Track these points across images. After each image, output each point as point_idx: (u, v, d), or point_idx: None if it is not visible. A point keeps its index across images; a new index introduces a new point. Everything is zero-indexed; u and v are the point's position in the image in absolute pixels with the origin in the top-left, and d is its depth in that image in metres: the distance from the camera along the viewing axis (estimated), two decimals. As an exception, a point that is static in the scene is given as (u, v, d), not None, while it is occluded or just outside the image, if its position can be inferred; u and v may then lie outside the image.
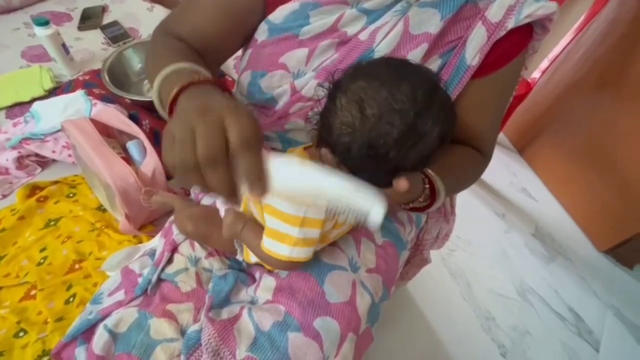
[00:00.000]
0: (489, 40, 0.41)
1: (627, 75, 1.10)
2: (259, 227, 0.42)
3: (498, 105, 0.48)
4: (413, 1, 0.41)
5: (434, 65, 0.43)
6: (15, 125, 0.78)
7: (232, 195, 0.26)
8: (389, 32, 0.42)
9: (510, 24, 0.40)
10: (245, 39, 0.49)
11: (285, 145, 0.54)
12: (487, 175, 1.43)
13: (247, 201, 0.45)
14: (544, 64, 1.36)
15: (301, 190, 0.27)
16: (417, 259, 0.72)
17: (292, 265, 0.39)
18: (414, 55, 0.42)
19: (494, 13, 0.41)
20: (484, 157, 0.50)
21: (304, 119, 0.48)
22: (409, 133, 0.32)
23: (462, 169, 0.47)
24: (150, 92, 0.96)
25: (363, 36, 0.43)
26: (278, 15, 0.45)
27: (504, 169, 1.51)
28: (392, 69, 0.33)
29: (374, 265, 0.45)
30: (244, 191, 0.26)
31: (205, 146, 0.24)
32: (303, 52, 0.45)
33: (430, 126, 0.32)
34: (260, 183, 0.26)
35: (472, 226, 1.27)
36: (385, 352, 0.94)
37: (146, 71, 0.46)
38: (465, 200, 1.39)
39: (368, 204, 0.25)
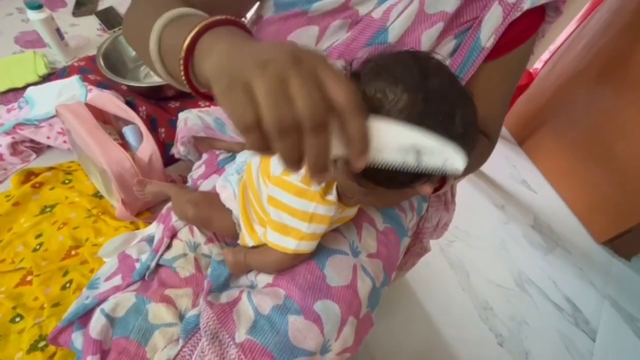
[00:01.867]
0: (504, 21, 0.40)
1: (630, 66, 1.09)
2: (259, 247, 0.42)
3: (508, 88, 0.47)
4: None
5: (448, 46, 0.42)
6: (9, 111, 0.76)
7: (325, 170, 0.21)
8: (403, 11, 0.40)
9: (527, 5, 0.39)
10: (248, 8, 0.46)
11: None
12: (487, 166, 1.43)
13: (247, 191, 0.44)
14: (546, 54, 1.35)
15: (395, 148, 0.23)
16: (416, 247, 0.71)
17: (291, 264, 0.39)
18: (429, 35, 0.40)
19: None
20: (490, 141, 0.49)
21: None
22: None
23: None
24: (147, 79, 0.96)
25: (376, 14, 0.40)
26: None
27: (504, 160, 1.50)
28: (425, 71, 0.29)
29: (375, 251, 0.45)
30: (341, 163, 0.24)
31: (312, 105, 0.19)
32: (313, 30, 0.42)
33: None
34: (367, 153, 0.22)
35: (471, 217, 1.27)
36: (383, 341, 0.94)
37: (128, 29, 0.37)
38: (465, 192, 1.39)
39: (453, 154, 0.24)
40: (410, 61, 0.28)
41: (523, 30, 0.42)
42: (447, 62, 0.42)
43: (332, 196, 0.36)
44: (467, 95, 0.30)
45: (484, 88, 0.44)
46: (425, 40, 0.40)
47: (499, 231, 1.26)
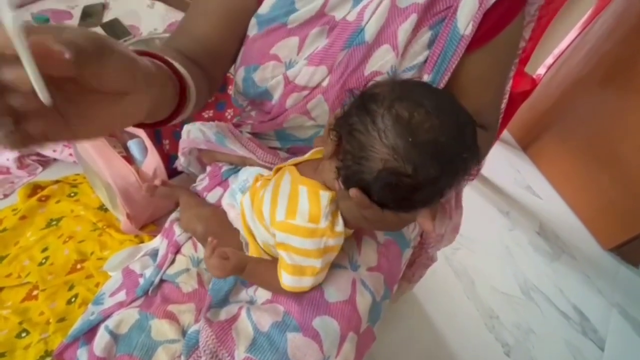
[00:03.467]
0: (480, 7, 0.39)
1: (634, 70, 1.09)
2: (264, 262, 0.42)
3: (498, 75, 0.46)
4: None
5: (424, 38, 0.42)
6: (16, 124, 0.78)
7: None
8: (376, 9, 0.40)
9: None
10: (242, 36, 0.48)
11: (283, 142, 0.53)
12: (491, 172, 1.43)
13: (241, 229, 0.44)
14: (550, 59, 1.35)
15: None
16: (422, 258, 0.71)
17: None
18: (404, 29, 0.40)
19: None
20: (488, 131, 0.48)
21: (302, 113, 0.47)
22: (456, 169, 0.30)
23: None
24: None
25: (351, 17, 0.41)
26: (265, 6, 0.44)
27: (508, 166, 1.50)
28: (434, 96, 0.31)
29: (375, 264, 0.44)
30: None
31: None
32: (294, 40, 0.44)
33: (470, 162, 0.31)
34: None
35: (475, 224, 1.26)
36: (388, 350, 0.94)
37: None
38: (469, 198, 1.37)
39: None
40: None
41: (503, 15, 0.41)
42: (426, 54, 0.42)
43: (340, 227, 0.36)
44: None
45: (472, 78, 0.44)
46: (401, 34, 0.40)
47: (504, 238, 1.25)
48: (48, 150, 0.71)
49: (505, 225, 1.29)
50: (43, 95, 0.18)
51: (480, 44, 0.42)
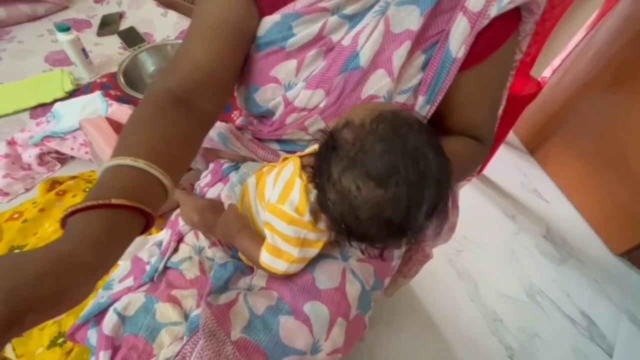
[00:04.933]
0: (472, 30, 0.40)
1: (643, 73, 1.07)
2: (255, 236, 0.43)
3: (491, 93, 0.47)
4: (391, 0, 0.41)
5: (418, 61, 0.43)
6: (38, 124, 0.83)
7: None
8: (370, 34, 0.41)
9: (493, 12, 0.39)
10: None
11: (283, 145, 0.55)
12: (497, 175, 1.42)
13: (245, 208, 0.46)
14: (556, 62, 1.34)
15: None
16: (419, 255, 0.72)
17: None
18: (399, 54, 0.41)
19: (474, 2, 0.40)
20: (483, 144, 0.49)
21: (300, 129, 0.49)
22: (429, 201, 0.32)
23: (455, 160, 0.47)
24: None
25: (346, 41, 0.43)
26: (262, 28, 0.44)
27: (515, 169, 1.49)
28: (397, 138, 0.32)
29: (365, 255, 0.46)
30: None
31: None
32: (292, 63, 0.45)
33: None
34: None
35: (480, 227, 1.26)
36: (391, 352, 0.94)
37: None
38: (474, 201, 1.38)
39: None
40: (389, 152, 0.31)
41: (497, 36, 0.42)
42: (420, 76, 0.43)
43: (322, 224, 0.38)
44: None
45: (465, 96, 0.45)
46: (396, 60, 0.41)
47: (510, 241, 1.24)
48: (66, 149, 0.76)
49: (511, 229, 1.28)
50: None
51: (472, 63, 0.43)
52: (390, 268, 0.51)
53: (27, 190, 0.73)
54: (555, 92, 1.38)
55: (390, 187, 0.30)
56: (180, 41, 1.07)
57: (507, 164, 1.50)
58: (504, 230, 1.27)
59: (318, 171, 0.35)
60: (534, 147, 1.53)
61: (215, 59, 0.42)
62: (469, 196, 1.35)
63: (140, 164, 0.30)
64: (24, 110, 0.91)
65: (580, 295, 1.11)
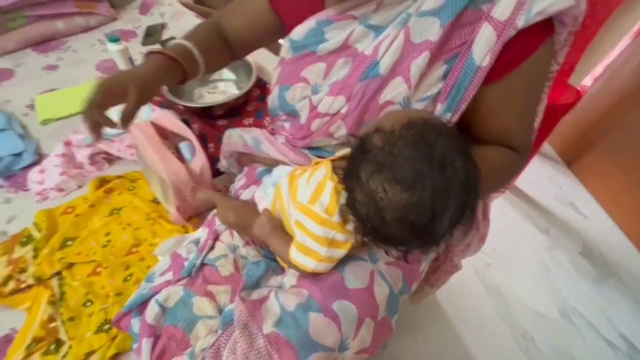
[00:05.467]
0: (498, 39, 0.39)
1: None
2: (286, 236, 0.46)
3: (523, 103, 0.46)
4: (413, 12, 0.42)
5: (439, 71, 0.43)
6: (89, 127, 0.91)
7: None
8: (391, 44, 0.43)
9: (521, 23, 0.38)
10: (265, 43, 0.61)
11: (313, 152, 0.57)
12: (530, 187, 1.37)
13: (277, 209, 0.49)
14: (598, 70, 1.28)
15: None
16: (447, 265, 0.71)
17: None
18: (418, 63, 0.42)
19: (500, 11, 0.39)
20: (519, 152, 0.49)
21: (326, 135, 0.51)
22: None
23: (489, 170, 0.47)
24: (200, 100, 1.07)
25: (367, 51, 0.45)
26: (298, 32, 0.49)
27: (549, 181, 1.42)
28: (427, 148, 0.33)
29: (393, 259, 0.47)
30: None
31: None
32: (321, 66, 0.48)
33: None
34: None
35: (510, 240, 1.22)
36: (413, 361, 0.93)
37: None
38: (504, 213, 1.33)
39: None
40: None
41: (526, 46, 0.41)
42: (440, 85, 0.43)
43: (351, 226, 0.39)
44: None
45: (494, 108, 0.45)
46: (413, 68, 0.42)
47: (542, 256, 1.18)
48: (114, 150, 0.83)
49: (544, 244, 1.22)
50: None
51: (500, 75, 0.42)
52: (418, 273, 0.51)
53: (79, 187, 0.80)
54: (595, 101, 1.31)
55: (416, 191, 0.31)
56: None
57: (541, 176, 1.44)
58: (536, 244, 1.22)
59: (348, 173, 0.36)
60: (570, 158, 1.46)
61: (239, 32, 0.59)
62: (499, 208, 1.31)
63: (190, 45, 0.53)
64: (78, 113, 1.00)
65: (620, 316, 1.04)
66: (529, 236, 1.24)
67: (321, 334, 0.39)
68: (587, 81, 1.27)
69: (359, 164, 0.35)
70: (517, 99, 0.45)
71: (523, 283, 1.11)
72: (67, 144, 0.84)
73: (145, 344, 0.46)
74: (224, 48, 0.60)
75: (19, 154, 0.83)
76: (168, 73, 0.50)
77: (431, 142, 0.32)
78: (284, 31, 0.54)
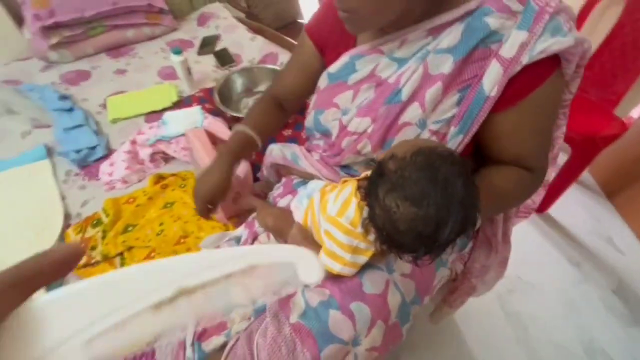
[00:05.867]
0: (504, 73, 0.45)
1: None
2: (315, 245, 0.54)
3: (534, 129, 0.50)
4: (431, 49, 0.49)
5: (453, 98, 0.49)
6: (150, 128, 1.04)
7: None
8: (411, 75, 0.50)
9: (525, 60, 0.44)
10: (313, 90, 0.66)
11: (343, 170, 0.64)
12: (564, 217, 1.34)
13: (309, 219, 0.56)
14: (648, 102, 1.23)
15: None
16: (465, 286, 0.74)
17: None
18: (431, 91, 0.48)
19: (507, 50, 0.45)
20: (533, 173, 0.53)
21: (354, 153, 0.58)
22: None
23: (495, 189, 0.51)
24: (245, 110, 1.18)
25: (391, 79, 0.52)
26: (334, 66, 0.58)
27: (586, 213, 1.37)
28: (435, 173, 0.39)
29: (408, 272, 0.52)
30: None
31: None
32: (350, 93, 0.57)
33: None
34: None
35: (537, 269, 1.20)
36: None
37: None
38: (534, 241, 1.31)
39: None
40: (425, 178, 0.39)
41: (532, 79, 0.46)
42: (454, 111, 0.49)
43: (372, 236, 0.45)
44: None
45: (506, 133, 0.50)
46: (428, 95, 0.49)
47: (570, 290, 1.15)
48: (170, 150, 0.94)
49: (574, 277, 1.19)
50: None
51: (509, 104, 0.48)
52: (431, 287, 0.56)
53: (139, 180, 0.92)
54: (643, 134, 1.26)
55: (423, 207, 0.38)
56: (265, 65, 1.25)
57: (578, 206, 1.39)
58: (565, 277, 1.19)
59: (368, 192, 0.43)
60: (612, 191, 1.40)
61: (292, 84, 0.69)
62: (528, 235, 1.29)
63: (248, 130, 0.65)
64: (141, 115, 1.14)
65: (652, 363, 0.99)
66: (559, 268, 1.21)
67: (338, 329, 0.45)
68: (634, 113, 1.23)
69: (377, 185, 0.41)
70: (527, 126, 0.50)
71: (547, 314, 1.09)
72: (133, 142, 0.97)
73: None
74: (278, 116, 0.72)
75: (93, 148, 0.97)
76: (238, 158, 0.66)
77: (436, 166, 0.39)
78: (324, 67, 0.62)
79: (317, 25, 0.62)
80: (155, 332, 0.14)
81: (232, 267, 0.16)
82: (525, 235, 1.28)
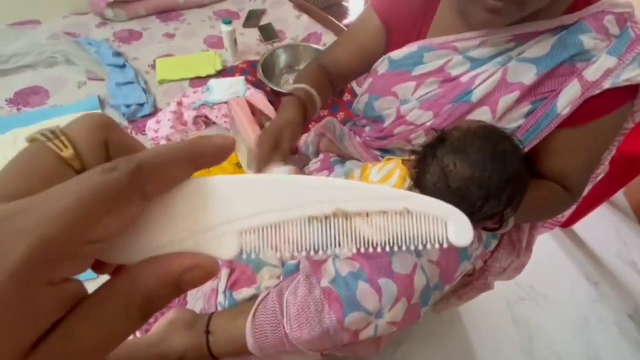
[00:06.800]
0: (582, 95, 0.45)
1: None
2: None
3: (587, 154, 0.50)
4: (514, 55, 0.48)
5: (524, 110, 0.49)
6: (194, 92, 1.08)
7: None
8: (487, 79, 0.49)
9: (607, 85, 0.43)
10: (367, 70, 0.64)
11: (384, 154, 0.65)
12: (589, 235, 1.31)
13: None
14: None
15: None
16: (479, 282, 0.76)
17: None
18: (506, 99, 0.48)
19: (591, 73, 0.44)
20: (570, 193, 0.53)
21: (405, 140, 0.58)
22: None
23: (537, 200, 0.51)
24: (286, 85, 1.20)
25: (464, 79, 0.51)
26: (398, 53, 0.56)
27: (613, 233, 1.34)
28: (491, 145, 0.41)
29: (435, 259, 0.54)
30: None
31: None
32: (412, 84, 0.56)
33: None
34: None
35: (552, 282, 1.19)
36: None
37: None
38: (553, 254, 1.29)
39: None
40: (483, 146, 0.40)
41: (606, 103, 0.46)
42: (521, 122, 0.49)
43: None
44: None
45: (560, 150, 0.50)
46: (501, 102, 0.48)
47: (583, 307, 1.14)
48: (212, 116, 0.99)
49: (590, 295, 1.17)
50: None
51: (574, 123, 0.47)
52: (453, 277, 0.58)
53: (181, 140, 0.98)
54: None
55: (478, 170, 0.39)
56: (310, 44, 1.26)
57: (606, 227, 1.35)
58: (581, 294, 1.17)
59: (423, 156, 0.44)
60: (645, 216, 1.35)
61: (345, 60, 0.65)
62: (548, 247, 1.27)
63: (310, 89, 0.60)
64: (186, 79, 1.19)
65: (659, 392, 0.98)
66: (575, 284, 1.20)
67: (365, 299, 0.48)
68: (686, 138, 1.17)
69: (436, 148, 0.43)
70: (585, 148, 0.49)
71: (555, 327, 1.09)
72: (179, 104, 1.02)
73: (224, 272, 0.59)
74: (329, 88, 0.67)
75: (141, 104, 1.03)
76: (302, 114, 0.58)
77: (497, 141, 0.40)
78: (385, 51, 0.60)
79: (392, 4, 0.58)
80: (305, 244, 0.15)
81: (390, 205, 0.15)
82: (544, 246, 1.27)
